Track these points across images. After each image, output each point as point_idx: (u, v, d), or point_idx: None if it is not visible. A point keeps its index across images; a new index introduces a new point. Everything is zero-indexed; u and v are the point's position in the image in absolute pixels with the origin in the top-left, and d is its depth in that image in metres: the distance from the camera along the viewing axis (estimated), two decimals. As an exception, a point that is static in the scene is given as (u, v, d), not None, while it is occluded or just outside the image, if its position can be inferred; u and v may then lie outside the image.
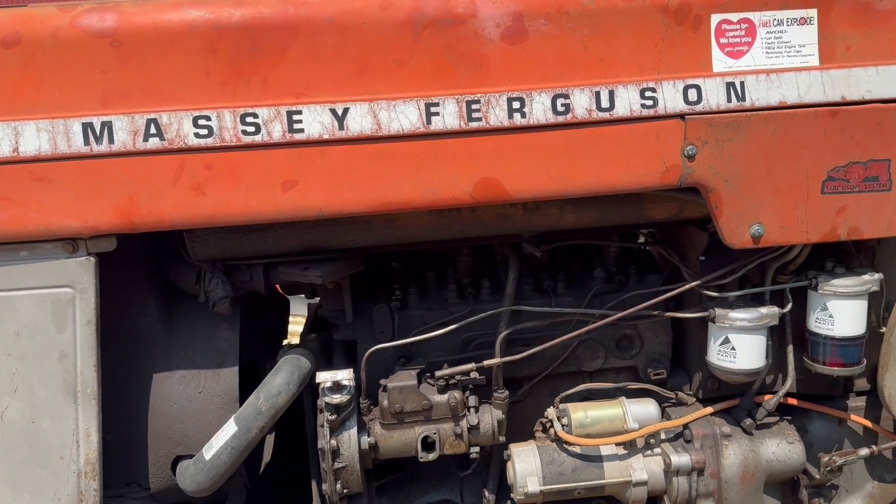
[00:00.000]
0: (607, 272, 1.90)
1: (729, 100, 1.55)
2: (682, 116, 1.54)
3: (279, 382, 1.64)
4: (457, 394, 1.74)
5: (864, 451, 1.83)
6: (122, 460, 1.75)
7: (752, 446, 1.83)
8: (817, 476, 1.83)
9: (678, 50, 1.53)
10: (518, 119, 1.49)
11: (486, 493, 1.88)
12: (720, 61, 1.56)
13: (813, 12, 1.57)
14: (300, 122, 1.45)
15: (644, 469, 1.79)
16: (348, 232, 1.66)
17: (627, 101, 1.52)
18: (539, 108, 1.50)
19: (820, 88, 1.57)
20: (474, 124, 1.49)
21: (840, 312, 1.74)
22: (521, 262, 1.86)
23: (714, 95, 1.55)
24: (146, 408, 1.74)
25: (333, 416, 1.66)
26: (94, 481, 1.55)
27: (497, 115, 1.49)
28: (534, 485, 1.75)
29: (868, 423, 1.91)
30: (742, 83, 1.55)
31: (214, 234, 1.63)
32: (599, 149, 1.53)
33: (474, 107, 1.49)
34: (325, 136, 1.47)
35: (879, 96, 1.59)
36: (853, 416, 1.92)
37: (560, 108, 1.50)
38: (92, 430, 1.55)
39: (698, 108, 1.54)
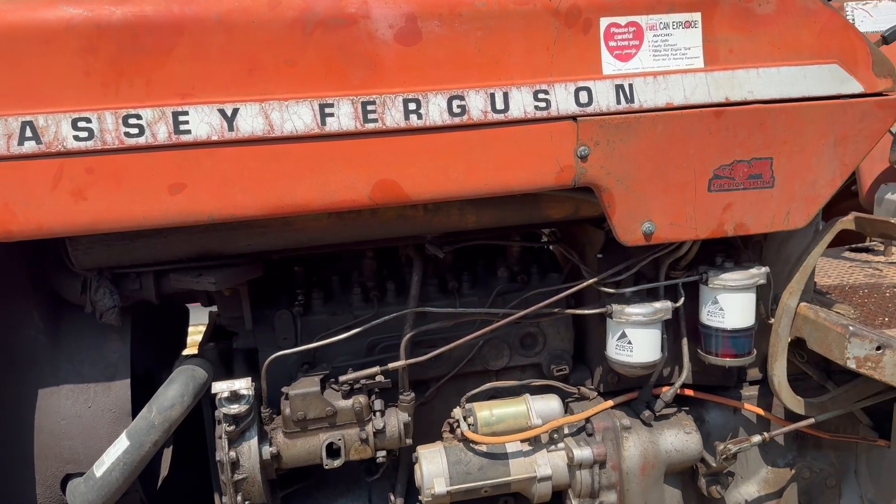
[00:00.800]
0: (510, 272, 1.92)
1: (618, 101, 1.59)
2: (574, 118, 1.57)
3: (172, 394, 1.58)
4: (361, 398, 1.72)
5: (757, 438, 1.91)
6: (8, 481, 1.65)
7: (652, 437, 1.89)
8: (714, 464, 1.90)
9: (569, 53, 1.56)
10: (414, 120, 1.49)
11: (393, 497, 1.87)
12: (609, 64, 1.59)
13: (697, 16, 1.62)
14: (187, 123, 1.41)
15: (548, 464, 1.82)
16: (243, 236, 1.62)
17: (521, 102, 1.54)
18: (435, 110, 1.50)
19: (705, 90, 1.63)
20: (370, 125, 1.48)
21: (730, 305, 1.81)
22: (426, 263, 1.86)
23: (604, 97, 1.58)
24: (32, 425, 1.65)
25: (232, 427, 1.61)
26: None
27: (393, 116, 1.48)
28: (441, 486, 1.75)
29: (760, 411, 2.00)
30: (631, 85, 1.59)
31: (99, 242, 1.56)
32: (496, 150, 1.54)
33: (370, 108, 1.47)
34: (214, 138, 1.42)
35: (761, 97, 1.66)
36: (746, 405, 2.00)
37: (456, 110, 1.51)
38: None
39: (589, 109, 1.58)
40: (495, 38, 1.52)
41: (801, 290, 1.87)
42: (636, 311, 1.76)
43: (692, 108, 1.63)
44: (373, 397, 1.76)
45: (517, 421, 1.81)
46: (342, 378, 1.72)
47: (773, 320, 1.91)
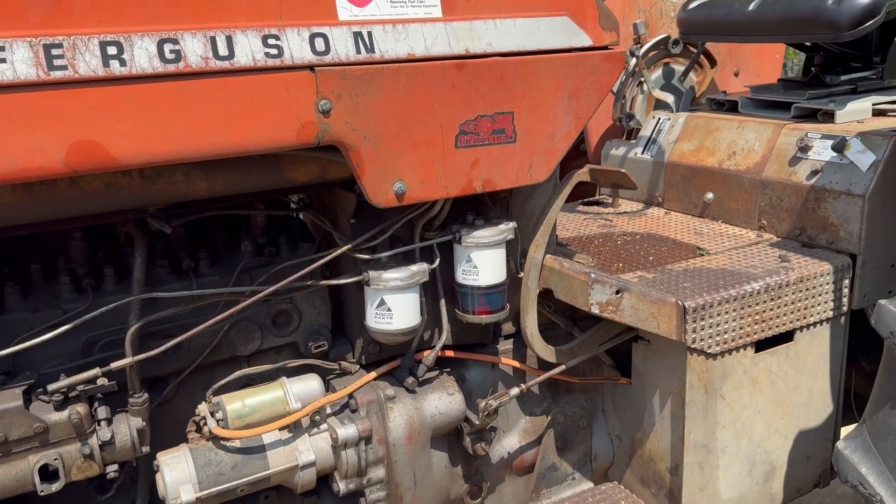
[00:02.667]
0: (256, 244, 1.73)
1: (358, 51, 1.47)
2: (311, 68, 1.42)
3: None
4: (80, 408, 1.45)
5: (516, 391, 1.93)
6: None
7: (416, 404, 1.83)
8: (477, 422, 1.89)
9: (300, -7, 1.40)
10: (117, 67, 1.24)
11: (136, 514, 1.62)
12: (345, 9, 1.46)
13: (433, -38, 1.55)
14: None
15: (311, 449, 1.68)
16: None
17: (249, 48, 1.35)
18: (143, 55, 1.26)
19: (445, 41, 1.57)
20: (58, 74, 1.20)
21: (483, 262, 1.80)
22: (152, 241, 1.60)
23: (342, 46, 1.45)
24: None
25: None
26: None
27: (88, 62, 1.22)
28: (188, 493, 1.53)
29: (516, 364, 2.03)
30: (370, 33, 1.48)
31: None
32: (223, 103, 1.34)
33: (55, 52, 1.20)
34: None
35: (499, 49, 1.63)
36: (503, 360, 2.02)
37: (169, 55, 1.28)
38: None
39: (327, 59, 1.44)
40: (215, -24, 1.32)
41: (545, 242, 1.91)
42: (394, 276, 1.68)
43: (434, 60, 1.56)
44: (95, 405, 1.49)
45: (274, 408, 1.65)
46: (52, 387, 1.42)
47: (522, 274, 1.94)
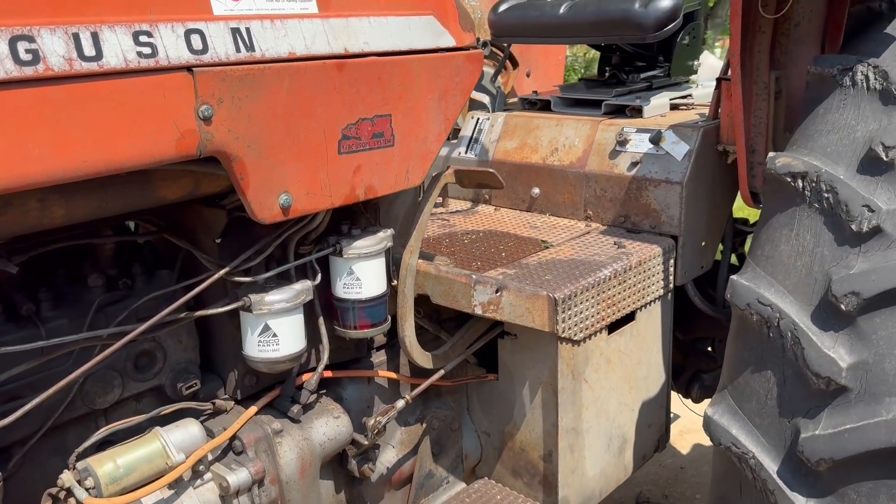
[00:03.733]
0: (105, 277, 1.47)
1: (238, 49, 1.31)
2: (189, 69, 1.23)
3: None
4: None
5: (401, 403, 1.87)
6: None
7: (304, 434, 1.69)
8: (366, 442, 1.79)
9: (171, -15, 1.21)
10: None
11: None
12: (220, 3, 1.29)
13: (302, -46, 1.42)
14: None
15: (204, 501, 1.47)
16: None
17: (119, 47, 1.14)
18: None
19: (324, 38, 1.45)
20: None
21: (366, 274, 1.71)
22: None
23: (221, 43, 1.28)
24: None
25: None
26: None
27: (-83, 65, 0.94)
28: (62, 584, 1.27)
29: (393, 375, 1.96)
30: (248, 29, 1.32)
31: None
32: (94, 112, 1.12)
33: None
34: None
35: (376, 49, 1.55)
36: (381, 372, 1.94)
37: (25, 56, 1.04)
38: None
39: (206, 58, 1.26)
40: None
41: (419, 247, 1.87)
42: (278, 297, 1.52)
43: (315, 59, 1.44)
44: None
45: (153, 464, 1.42)
46: None
47: (395, 282, 1.87)
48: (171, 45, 1.20)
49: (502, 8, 2.79)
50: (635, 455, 2.36)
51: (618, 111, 2.66)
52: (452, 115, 1.77)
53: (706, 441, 4.08)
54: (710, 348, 2.93)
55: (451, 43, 1.73)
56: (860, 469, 1.54)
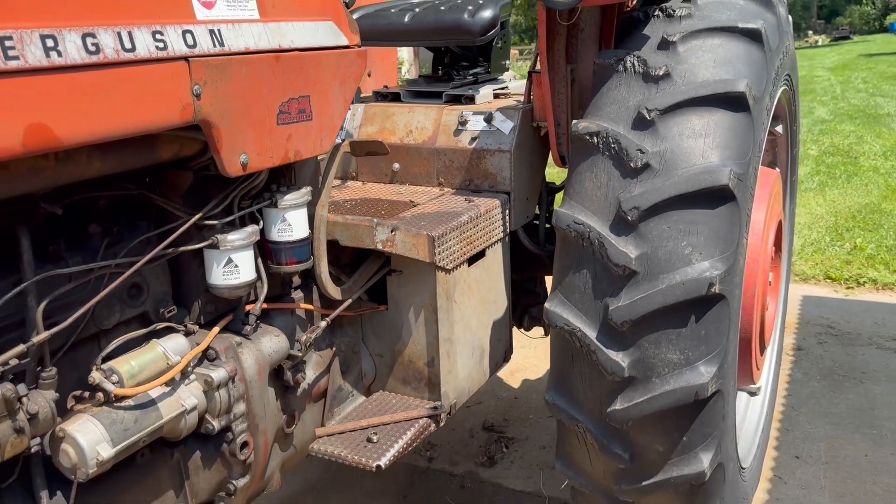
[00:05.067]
0: (103, 226, 1.87)
1: (214, 45, 1.78)
2: (186, 59, 1.70)
3: None
4: (8, 386, 1.50)
5: (323, 323, 2.39)
6: None
7: (257, 346, 2.16)
8: (300, 354, 2.29)
9: (170, -3, 1.67)
10: (55, 58, 1.39)
11: (41, 493, 1.66)
12: (200, 10, 1.76)
13: (243, -24, 1.92)
14: None
15: (192, 395, 1.92)
16: None
17: (145, 42, 1.59)
18: (72, 47, 1.43)
19: (266, 38, 1.96)
20: (13, 63, 1.32)
21: (295, 220, 2.21)
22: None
23: (204, 40, 1.75)
24: None
25: None
26: None
27: (34, 53, 1.36)
28: (106, 450, 1.67)
29: (310, 307, 2.46)
30: (219, 30, 1.80)
31: None
32: (131, 87, 1.55)
33: (8, 44, 1.32)
34: None
35: (299, 45, 2.07)
36: (301, 305, 2.43)
37: (91, 48, 1.47)
38: None
39: (196, 51, 1.72)
40: (111, -22, 1.53)
41: (328, 202, 2.40)
42: (238, 236, 2.00)
43: (262, 53, 1.94)
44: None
45: (157, 365, 1.84)
46: (-17, 368, 1.45)
47: (310, 231, 2.38)
48: (175, 41, 1.66)
49: (356, 16, 3.36)
50: (491, 363, 3.04)
51: (454, 100, 3.33)
52: (349, 98, 2.33)
53: (532, 377, 4.97)
54: (535, 288, 3.70)
55: (346, 42, 2.29)
56: (648, 324, 2.31)
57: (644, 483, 2.50)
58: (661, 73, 2.46)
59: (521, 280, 3.59)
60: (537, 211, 3.34)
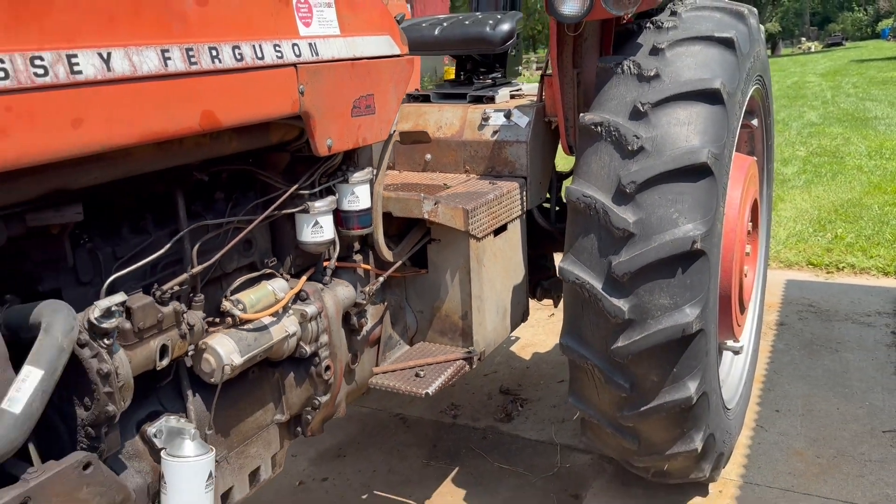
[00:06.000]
0: (225, 193, 2.43)
1: (312, 55, 2.36)
2: (294, 66, 2.27)
3: (66, 319, 1.66)
4: (177, 303, 2.06)
5: (380, 279, 2.95)
6: None
7: (333, 292, 2.73)
8: (364, 301, 2.86)
9: (282, 18, 2.24)
10: (218, 63, 1.97)
11: (187, 392, 2.22)
12: (302, 28, 2.34)
13: None
14: (77, 64, 1.58)
15: (293, 324, 2.48)
16: (95, 169, 1.77)
17: (270, 53, 2.16)
18: (228, 55, 2.00)
19: (345, 49, 2.53)
20: (194, 66, 1.89)
21: (361, 193, 2.78)
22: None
23: (306, 51, 2.32)
24: None
25: (110, 341, 1.79)
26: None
27: (206, 59, 1.93)
28: (237, 358, 2.23)
29: (368, 266, 3.03)
30: (315, 44, 2.38)
31: None
32: (261, 87, 2.13)
33: (190, 53, 1.89)
34: (99, 77, 1.64)
35: (367, 55, 2.65)
36: (363, 265, 3.00)
37: (237, 56, 2.04)
38: None
39: (300, 60, 2.30)
40: (249, 9, 2.10)
41: (384, 180, 2.97)
42: (323, 203, 2.57)
43: (342, 61, 2.51)
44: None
45: (268, 299, 2.40)
46: (164, 287, 2.02)
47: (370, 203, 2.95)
48: (287, 52, 2.24)
49: (391, 30, 3.94)
50: (511, 320, 3.61)
51: (477, 100, 3.91)
52: (401, 96, 2.90)
53: (542, 350, 5.52)
54: (546, 263, 4.27)
55: (398, 52, 2.86)
56: (644, 276, 2.88)
57: (642, 409, 3.07)
58: (652, 74, 3.04)
59: (534, 256, 4.16)
60: (548, 195, 3.92)
